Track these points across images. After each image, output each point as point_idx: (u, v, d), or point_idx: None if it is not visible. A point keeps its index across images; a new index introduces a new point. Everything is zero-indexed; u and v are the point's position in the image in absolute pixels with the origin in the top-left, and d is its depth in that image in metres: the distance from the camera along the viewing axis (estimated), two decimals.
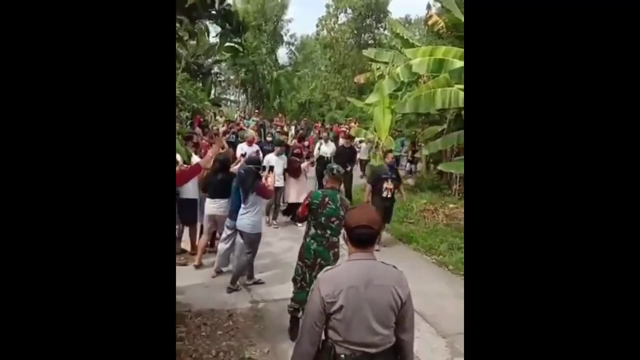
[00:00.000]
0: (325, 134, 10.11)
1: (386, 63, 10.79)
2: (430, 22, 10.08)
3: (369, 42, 21.78)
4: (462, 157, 8.60)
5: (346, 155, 8.42)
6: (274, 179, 4.96)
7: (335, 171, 3.80)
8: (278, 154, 6.76)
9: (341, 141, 9.55)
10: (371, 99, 8.35)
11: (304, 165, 7.26)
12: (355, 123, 14.33)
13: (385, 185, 6.12)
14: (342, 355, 1.74)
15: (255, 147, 7.30)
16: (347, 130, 11.80)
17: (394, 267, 1.84)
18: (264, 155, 6.86)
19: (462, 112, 9.50)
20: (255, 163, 4.69)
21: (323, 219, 3.52)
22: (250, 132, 8.15)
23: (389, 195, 6.15)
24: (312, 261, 3.53)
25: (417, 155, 12.22)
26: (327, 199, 3.55)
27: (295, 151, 7.52)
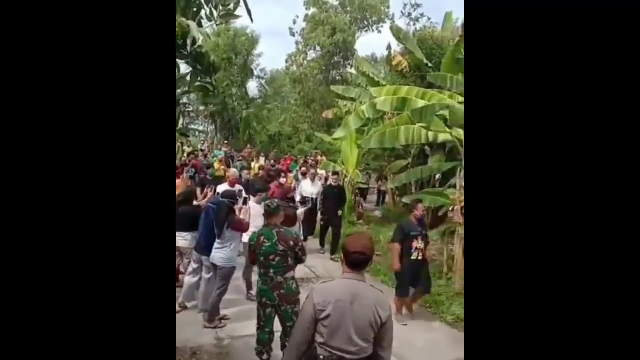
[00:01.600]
0: (312, 172, 8.29)
1: (353, 99, 11.20)
2: (394, 63, 10.61)
3: (337, 78, 22.51)
4: (426, 190, 8.91)
5: (335, 197, 7.41)
6: (248, 213, 4.72)
7: (269, 207, 3.61)
8: (259, 202, 5.30)
9: (328, 179, 8.22)
10: (338, 134, 8.61)
11: (299, 212, 6.15)
12: (321, 156, 14.50)
13: (414, 244, 4.85)
14: (322, 356, 2.04)
15: (239, 188, 6.24)
16: (316, 164, 11.88)
17: (381, 291, 2.16)
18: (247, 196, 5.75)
19: (426, 148, 9.93)
20: (230, 197, 4.61)
21: (262, 258, 3.45)
22: (233, 172, 6.91)
23: (419, 257, 4.85)
24: (260, 300, 3.49)
25: (382, 188, 12.52)
26: (262, 238, 3.46)
27: (288, 196, 6.28)
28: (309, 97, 22.50)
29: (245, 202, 4.78)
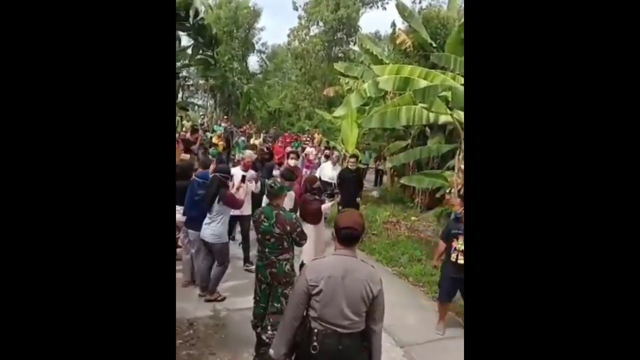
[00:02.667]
0: (333, 154, 7.84)
1: (356, 78, 11.08)
2: (398, 41, 10.46)
3: (339, 55, 22.18)
4: (424, 171, 8.94)
5: (351, 181, 6.73)
6: (245, 189, 4.65)
7: (271, 187, 3.58)
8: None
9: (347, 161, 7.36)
10: (339, 112, 8.55)
11: (325, 206, 4.93)
12: (318, 134, 14.41)
13: (454, 244, 4.12)
14: (315, 330, 2.12)
15: (252, 172, 5.74)
16: (311, 141, 11.78)
17: (372, 266, 2.22)
18: (263, 180, 5.41)
19: (426, 129, 9.90)
20: (223, 172, 4.59)
21: (260, 236, 3.49)
22: (248, 153, 6.28)
23: (459, 260, 4.03)
24: (256, 275, 3.56)
25: (381, 167, 12.53)
26: (262, 216, 3.47)
27: (314, 186, 4.87)
28: (310, 73, 22.22)
29: (242, 180, 4.75)
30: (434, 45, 9.57)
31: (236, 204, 4.50)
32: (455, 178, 6.85)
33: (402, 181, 9.15)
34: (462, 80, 6.83)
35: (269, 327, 3.35)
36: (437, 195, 8.65)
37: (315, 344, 2.11)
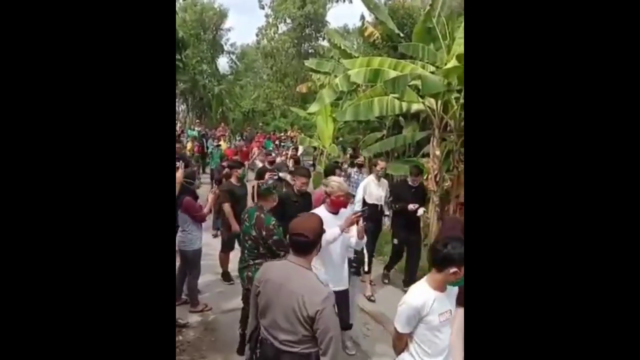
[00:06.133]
0: (380, 165, 5.35)
1: (327, 73, 11.11)
2: (366, 34, 10.54)
3: (310, 51, 22.19)
4: (401, 159, 9.06)
5: (412, 198, 4.97)
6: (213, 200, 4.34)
7: (259, 187, 3.53)
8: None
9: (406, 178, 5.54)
10: (313, 108, 8.56)
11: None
12: (294, 132, 14.38)
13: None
14: (260, 337, 2.00)
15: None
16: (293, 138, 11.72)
17: (322, 283, 1.93)
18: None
19: (400, 118, 10.03)
20: (188, 177, 4.26)
21: (241, 235, 3.44)
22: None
23: None
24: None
25: (358, 160, 12.53)
26: (246, 216, 3.39)
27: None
28: (281, 71, 22.15)
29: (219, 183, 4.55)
30: (402, 35, 9.68)
31: (192, 210, 4.10)
32: (431, 164, 6.97)
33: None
34: (431, 68, 6.95)
35: None
36: None
37: (257, 350, 2.00)
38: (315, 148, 11.24)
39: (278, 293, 1.89)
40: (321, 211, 3.04)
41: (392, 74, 6.38)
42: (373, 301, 4.85)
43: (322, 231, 2.06)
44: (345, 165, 8.03)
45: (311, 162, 13.42)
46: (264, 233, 3.19)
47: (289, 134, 14.76)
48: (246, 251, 3.35)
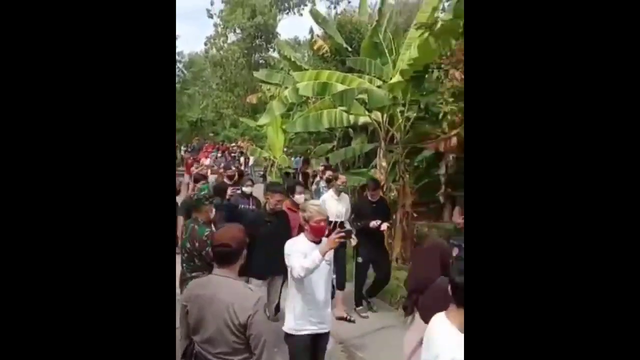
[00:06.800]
0: (341, 180, 5.21)
1: (277, 84, 11.15)
2: (315, 47, 10.72)
3: (260, 62, 22.15)
4: (351, 170, 9.25)
5: (373, 214, 4.71)
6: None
7: (192, 198, 3.43)
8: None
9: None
10: (263, 120, 8.55)
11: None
12: (245, 142, 14.26)
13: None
14: (195, 351, 1.96)
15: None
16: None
17: (250, 289, 1.99)
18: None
19: (350, 130, 10.25)
20: None
21: (180, 249, 3.34)
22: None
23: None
24: None
25: (308, 171, 12.59)
26: (185, 229, 3.33)
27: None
28: (231, 81, 21.91)
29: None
30: (350, 49, 9.95)
31: None
32: (378, 175, 7.18)
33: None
34: (377, 82, 7.19)
35: None
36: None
37: None
38: (265, 159, 11.18)
39: (209, 306, 1.86)
40: (301, 241, 2.74)
41: (340, 87, 6.53)
42: (352, 321, 4.61)
43: (246, 240, 2.01)
44: (318, 179, 7.72)
45: (262, 173, 13.32)
46: (196, 244, 3.13)
47: (239, 144, 14.56)
48: (184, 264, 3.26)
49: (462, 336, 1.56)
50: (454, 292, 1.67)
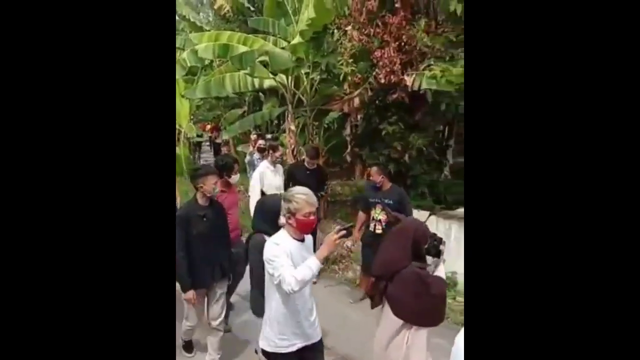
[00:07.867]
0: (279, 152, 4.89)
1: (178, 48, 10.39)
2: (216, 6, 10.11)
3: None
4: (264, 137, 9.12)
5: (313, 184, 3.92)
6: None
7: None
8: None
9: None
10: None
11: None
12: None
13: (372, 214, 4.00)
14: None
15: None
16: None
17: None
18: None
19: (260, 94, 9.99)
20: None
21: None
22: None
23: (377, 230, 3.94)
24: None
25: (218, 140, 11.92)
26: None
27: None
28: None
29: None
30: (252, 9, 9.55)
31: None
32: (288, 139, 7.18)
33: (239, 149, 9.20)
34: (282, 43, 7.00)
35: None
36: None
37: None
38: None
39: None
40: (283, 238, 2.17)
41: (242, 49, 6.25)
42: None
43: None
44: (251, 149, 7.22)
45: None
46: None
47: None
48: None
49: None
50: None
